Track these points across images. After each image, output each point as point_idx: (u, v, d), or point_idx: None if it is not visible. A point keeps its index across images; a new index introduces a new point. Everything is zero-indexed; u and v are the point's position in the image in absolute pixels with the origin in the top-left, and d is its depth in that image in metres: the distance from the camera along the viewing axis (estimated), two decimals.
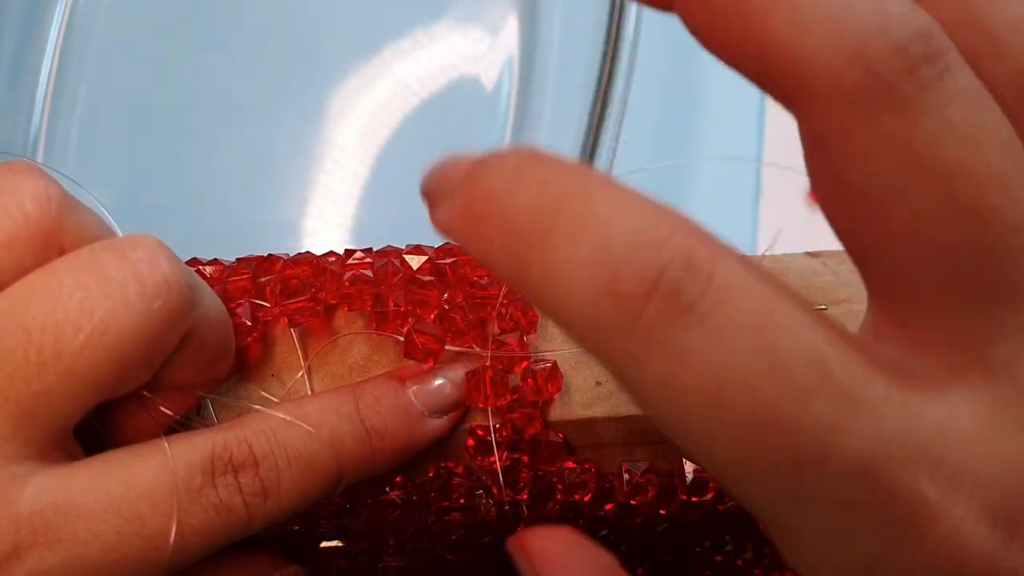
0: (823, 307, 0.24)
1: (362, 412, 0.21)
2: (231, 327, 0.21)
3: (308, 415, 0.21)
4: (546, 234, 0.13)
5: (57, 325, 0.17)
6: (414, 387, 0.22)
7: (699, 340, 0.12)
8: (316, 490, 0.20)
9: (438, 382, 0.22)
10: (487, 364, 0.22)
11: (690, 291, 0.12)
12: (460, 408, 0.22)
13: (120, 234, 0.22)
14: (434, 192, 0.15)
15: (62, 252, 0.19)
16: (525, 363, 0.22)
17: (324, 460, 0.20)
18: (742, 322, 0.12)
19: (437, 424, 0.22)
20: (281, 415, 0.20)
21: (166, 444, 0.19)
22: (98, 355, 0.18)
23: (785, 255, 0.25)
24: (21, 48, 0.43)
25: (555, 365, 0.22)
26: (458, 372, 0.22)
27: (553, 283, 0.13)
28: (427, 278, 0.23)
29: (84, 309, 0.17)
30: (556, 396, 0.22)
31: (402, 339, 0.22)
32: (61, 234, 0.19)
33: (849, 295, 0.24)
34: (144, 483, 0.18)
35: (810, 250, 0.25)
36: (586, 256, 0.12)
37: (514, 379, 0.22)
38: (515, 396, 0.22)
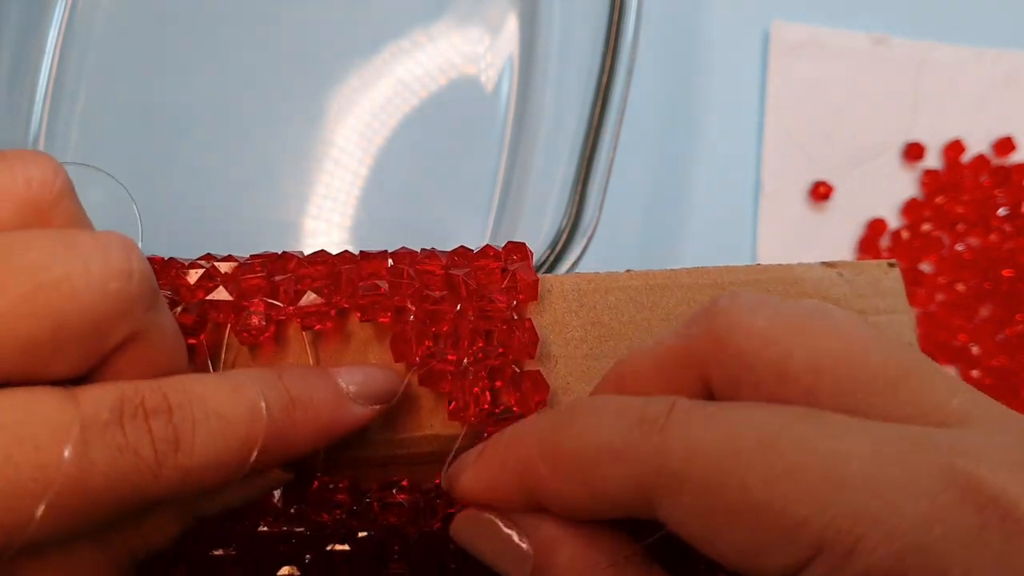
0: None
1: (286, 380, 0.20)
2: (185, 353, 0.21)
3: (231, 376, 0.20)
4: None
5: (10, 268, 0.17)
6: (342, 370, 0.22)
7: None
8: (231, 453, 0.19)
9: (367, 369, 0.22)
10: (467, 385, 0.22)
11: None
12: (387, 401, 0.22)
13: (136, 207, 0.23)
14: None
15: None
16: (507, 375, 0.22)
17: (243, 420, 0.19)
18: None
19: (362, 412, 0.21)
20: (202, 374, 0.20)
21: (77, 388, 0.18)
22: (38, 308, 0.17)
23: (800, 264, 0.24)
24: (21, 48, 0.43)
25: (538, 373, 0.22)
26: (389, 368, 0.22)
27: None
28: (440, 294, 0.23)
29: (42, 262, 0.17)
30: (545, 407, 0.22)
31: (417, 362, 0.22)
32: (53, 213, 0.19)
33: (864, 306, 0.24)
34: (46, 409, 0.17)
35: (825, 260, 0.25)
36: None
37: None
38: (500, 408, 0.22)
